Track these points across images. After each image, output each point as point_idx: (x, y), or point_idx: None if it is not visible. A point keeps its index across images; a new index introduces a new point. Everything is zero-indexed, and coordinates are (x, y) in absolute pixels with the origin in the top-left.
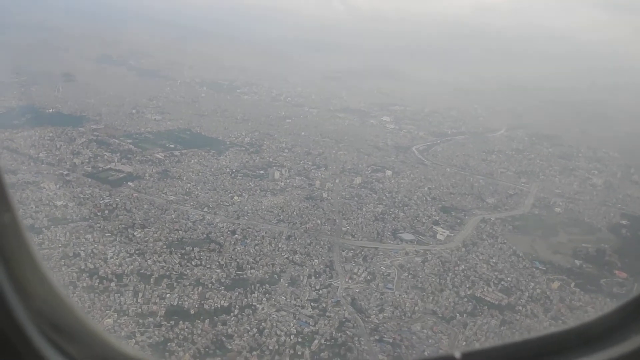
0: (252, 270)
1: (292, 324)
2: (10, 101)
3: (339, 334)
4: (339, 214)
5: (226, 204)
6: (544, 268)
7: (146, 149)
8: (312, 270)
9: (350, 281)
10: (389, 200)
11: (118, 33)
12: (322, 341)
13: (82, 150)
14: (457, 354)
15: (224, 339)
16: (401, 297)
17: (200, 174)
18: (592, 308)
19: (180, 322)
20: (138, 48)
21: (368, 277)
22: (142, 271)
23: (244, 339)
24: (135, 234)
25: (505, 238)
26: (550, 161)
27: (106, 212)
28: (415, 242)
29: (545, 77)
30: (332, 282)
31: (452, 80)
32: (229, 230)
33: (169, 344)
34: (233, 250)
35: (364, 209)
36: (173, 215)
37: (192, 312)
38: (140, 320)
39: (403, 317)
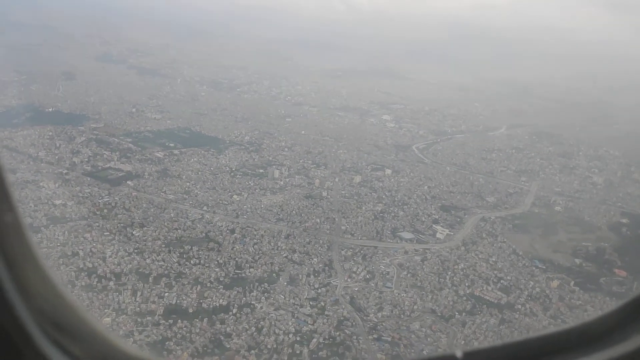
0: (251, 269)
1: (290, 323)
2: (10, 100)
3: (338, 333)
4: (339, 212)
5: (225, 202)
6: (544, 267)
7: (146, 148)
8: (311, 269)
9: (349, 280)
10: (388, 199)
11: (118, 32)
12: (321, 340)
13: (82, 149)
14: (457, 354)
15: (222, 338)
16: (400, 295)
17: (199, 172)
18: (591, 307)
19: (179, 320)
20: (138, 47)
21: (367, 276)
22: (140, 270)
23: (243, 337)
24: (134, 232)
25: (505, 237)
26: (551, 160)
27: (105, 211)
28: (415, 241)
29: (546, 76)
30: (331, 281)
31: (453, 79)
32: (228, 229)
33: (167, 343)
34: (232, 249)
35: (363, 208)
36: (172, 214)
37: (190, 310)
38: (139, 319)
39: (402, 316)
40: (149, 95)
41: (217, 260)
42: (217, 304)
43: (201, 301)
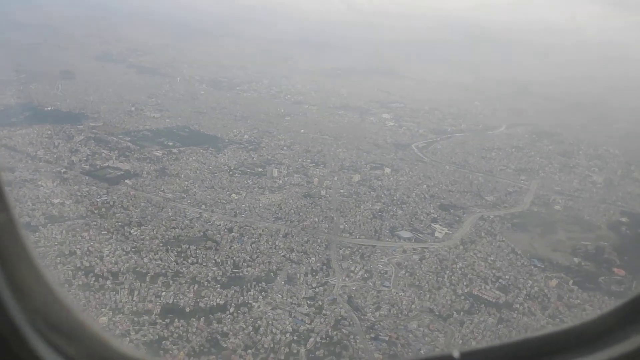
0: (249, 268)
1: (287, 322)
2: (9, 99)
3: (335, 332)
4: (337, 211)
5: (224, 201)
6: (542, 266)
7: (144, 147)
8: (309, 268)
9: (347, 279)
10: (387, 198)
11: (118, 31)
12: (318, 339)
13: (80, 148)
14: (456, 354)
15: (219, 337)
16: (398, 295)
17: (198, 171)
18: (590, 306)
19: (176, 320)
20: (138, 46)
21: (365, 275)
22: (138, 269)
23: (239, 337)
24: (131, 231)
25: (504, 236)
26: (550, 158)
27: (103, 209)
28: (413, 240)
29: (547, 74)
30: (329, 280)
31: (453, 78)
32: (226, 228)
33: (163, 342)
34: (230, 248)
35: (362, 207)
36: (170, 213)
37: (187, 310)
38: (136, 319)
39: (400, 315)
40: (148, 94)
41: (215, 259)
42: (214, 303)
43: (198, 300)
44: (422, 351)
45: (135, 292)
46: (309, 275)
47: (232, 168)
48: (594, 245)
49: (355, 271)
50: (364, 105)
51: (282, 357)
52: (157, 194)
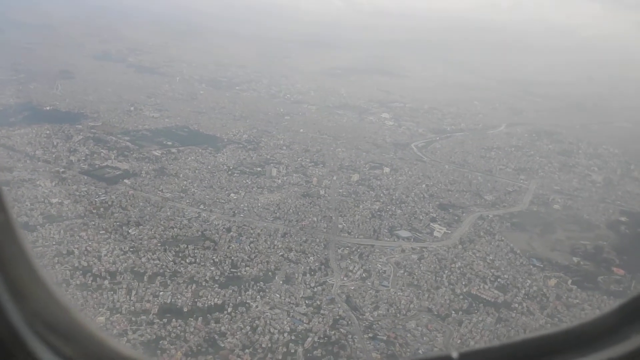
0: (247, 268)
1: (285, 322)
2: (7, 99)
3: (333, 332)
4: (336, 211)
5: (222, 201)
6: (541, 265)
7: (143, 146)
8: (308, 267)
9: (345, 279)
10: (386, 198)
11: (117, 31)
12: (316, 339)
13: (79, 147)
14: (455, 354)
15: (216, 337)
16: (396, 294)
17: (197, 171)
18: (588, 305)
19: (173, 319)
20: (137, 45)
21: (364, 275)
22: (136, 269)
23: (237, 336)
24: (130, 231)
25: (503, 235)
26: (550, 158)
27: (101, 209)
28: (412, 240)
29: (547, 74)
30: (328, 280)
31: (453, 78)
32: (224, 228)
33: (161, 342)
34: (228, 247)
35: (360, 206)
36: (168, 213)
37: (185, 309)
38: (133, 318)
39: (398, 315)
40: (147, 93)
41: (213, 259)
42: (212, 303)
43: (196, 300)
44: (420, 351)
45: (133, 292)
46: (308, 275)
47: (231, 167)
48: (593, 244)
49: (354, 271)
50: (364, 104)
51: (280, 357)
52: (155, 193)
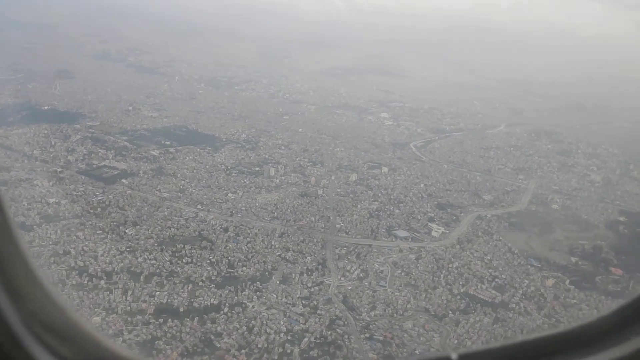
0: (244, 268)
1: (282, 322)
2: (6, 98)
3: (329, 332)
4: (334, 211)
5: (220, 201)
6: (539, 265)
7: (141, 146)
8: (305, 267)
9: (342, 279)
10: (384, 197)
11: (117, 30)
12: (312, 339)
13: (77, 147)
14: (454, 355)
15: (212, 337)
16: (394, 294)
17: (195, 171)
18: (586, 306)
19: (169, 320)
20: (137, 45)
21: (361, 275)
22: (132, 269)
23: (233, 337)
24: (126, 231)
25: (501, 235)
26: (549, 157)
27: (99, 209)
28: (410, 239)
29: (546, 73)
30: (325, 280)
31: (452, 77)
32: (221, 228)
33: (156, 342)
34: (225, 247)
35: (358, 206)
36: (166, 213)
37: (181, 310)
38: (129, 318)
39: (395, 315)
40: (146, 93)
41: (210, 259)
42: (209, 303)
43: (192, 300)
44: (417, 351)
45: (129, 292)
46: (305, 275)
47: (229, 167)
48: (591, 244)
49: (351, 271)
50: (363, 104)
51: (276, 357)
52: (153, 193)
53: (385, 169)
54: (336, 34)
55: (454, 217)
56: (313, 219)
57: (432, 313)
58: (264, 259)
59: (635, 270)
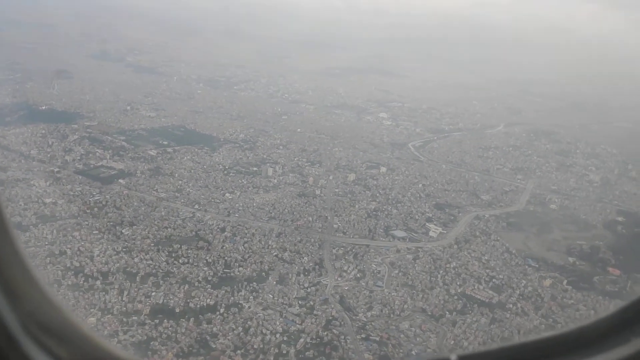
0: (240, 268)
1: (278, 323)
2: (3, 98)
3: (326, 333)
4: (331, 210)
5: (217, 201)
6: (537, 265)
7: (139, 146)
8: (302, 268)
9: (339, 279)
10: (382, 197)
11: (116, 30)
12: (308, 340)
13: (74, 147)
14: (453, 357)
15: (208, 338)
16: (390, 295)
17: (192, 171)
18: (583, 306)
19: (165, 320)
20: (136, 45)
21: (358, 275)
22: (128, 269)
23: (229, 337)
24: (123, 231)
25: (499, 235)
26: (548, 157)
27: (95, 209)
28: (408, 240)
29: (545, 73)
30: (321, 280)
31: (452, 77)
32: (218, 228)
33: (152, 343)
34: (221, 247)
35: (356, 206)
36: (163, 213)
37: (177, 310)
38: (124, 319)
39: (391, 315)
40: (144, 93)
41: (206, 259)
42: (205, 304)
43: (188, 301)
44: (413, 351)
45: (125, 293)
46: (301, 275)
47: (226, 167)
48: (589, 244)
49: (348, 271)
50: (362, 104)
51: (272, 358)
52: (150, 193)
53: (383, 169)
54: (335, 34)
55: (452, 217)
56: (310, 219)
57: (429, 313)
58: (260, 259)
59: (633, 270)
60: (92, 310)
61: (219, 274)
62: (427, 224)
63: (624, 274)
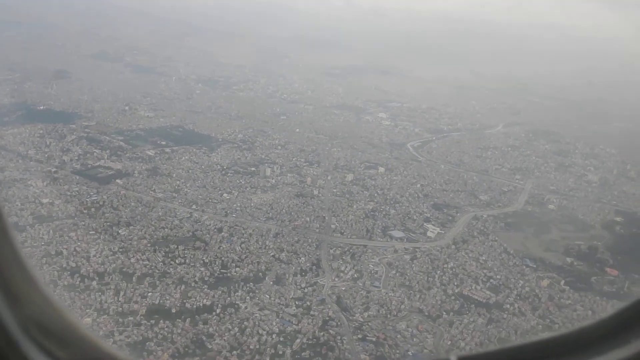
0: (237, 269)
1: (274, 323)
2: (2, 98)
3: (322, 333)
4: (329, 211)
5: (215, 201)
6: (534, 266)
7: (137, 146)
8: (299, 268)
9: (336, 279)
10: (380, 197)
11: (115, 29)
12: (305, 340)
13: (72, 147)
14: (453, 358)
15: (204, 338)
16: (388, 295)
17: (190, 171)
18: (581, 306)
19: (161, 321)
20: (135, 44)
21: (355, 275)
22: (124, 269)
23: (225, 338)
24: (120, 231)
25: (497, 235)
26: (546, 158)
27: (92, 209)
28: (405, 240)
29: (544, 74)
30: (318, 280)
31: (451, 77)
32: (215, 228)
33: (147, 344)
34: (218, 248)
35: (354, 206)
36: (160, 213)
37: (173, 310)
38: (120, 319)
39: (388, 316)
40: (143, 93)
41: (203, 260)
42: (201, 304)
43: (185, 301)
44: (409, 352)
45: (121, 293)
46: (298, 276)
47: (224, 167)
48: (587, 244)
49: (345, 271)
50: (361, 104)
51: (268, 359)
52: (147, 193)
53: (381, 169)
54: (335, 34)
55: (450, 218)
56: (308, 219)
57: (426, 314)
58: (257, 260)
59: (631, 271)
60: (87, 310)
61: (216, 275)
62: (425, 224)
63: (622, 274)
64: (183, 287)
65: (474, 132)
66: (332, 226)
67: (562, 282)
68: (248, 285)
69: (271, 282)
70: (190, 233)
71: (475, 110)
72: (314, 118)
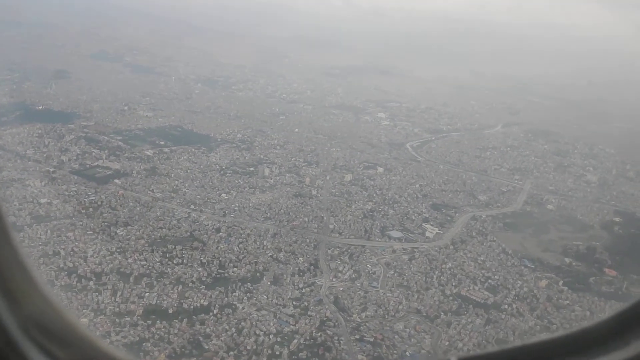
0: (235, 269)
1: (272, 324)
2: (1, 98)
3: (319, 334)
4: (327, 211)
5: (213, 201)
6: (533, 266)
7: (135, 146)
8: (296, 268)
9: (334, 279)
10: (379, 198)
11: (115, 29)
12: (302, 341)
13: (71, 147)
14: (453, 359)
15: (201, 339)
16: (385, 295)
17: (188, 171)
18: (579, 307)
19: (158, 321)
20: (134, 44)
21: (353, 276)
22: (122, 270)
23: (222, 338)
24: (117, 232)
25: (495, 236)
26: (545, 158)
27: (90, 209)
28: (404, 240)
29: (544, 74)
30: (316, 281)
31: (450, 77)
32: (213, 228)
33: (144, 344)
34: (216, 248)
35: (353, 207)
36: (158, 213)
37: (170, 311)
38: (117, 320)
39: (386, 316)
40: (142, 93)
41: (201, 260)
42: (198, 304)
43: (182, 301)
44: (407, 352)
45: (118, 293)
46: (296, 276)
47: (223, 167)
48: (585, 245)
49: (343, 271)
50: (360, 104)
51: (265, 359)
52: (146, 193)
53: (380, 169)
54: (335, 34)
55: (449, 218)
56: (306, 219)
57: (424, 314)
58: (255, 260)
59: (630, 271)
60: (84, 311)
61: (213, 275)
62: (423, 224)
63: (621, 274)
64: (180, 287)
65: (473, 132)
66: (331, 226)
67: (561, 283)
68: (245, 285)
69: (269, 283)
70: (188, 233)
71: (475, 110)
72: (313, 118)
